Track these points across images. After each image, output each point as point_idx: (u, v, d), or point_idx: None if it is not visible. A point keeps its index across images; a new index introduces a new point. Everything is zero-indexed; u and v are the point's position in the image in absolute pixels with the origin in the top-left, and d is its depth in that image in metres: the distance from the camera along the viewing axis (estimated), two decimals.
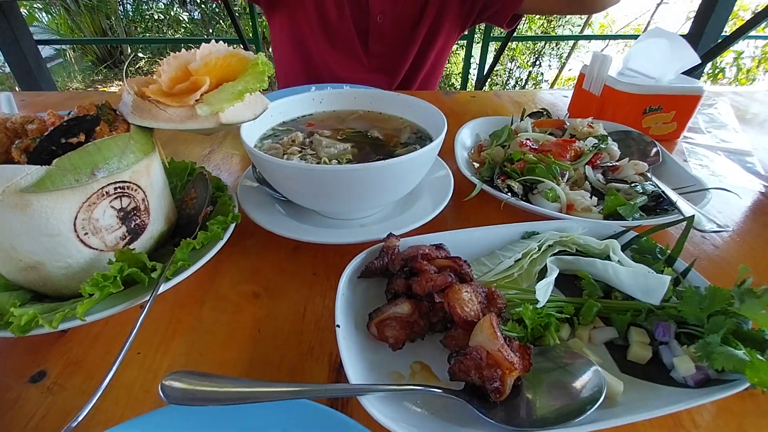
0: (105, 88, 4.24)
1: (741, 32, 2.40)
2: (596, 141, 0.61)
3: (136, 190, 0.41)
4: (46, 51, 3.91)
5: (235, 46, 0.47)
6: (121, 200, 0.39)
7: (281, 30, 1.04)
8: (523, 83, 4.77)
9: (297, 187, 0.48)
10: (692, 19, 2.76)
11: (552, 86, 4.65)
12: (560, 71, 4.76)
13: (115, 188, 0.38)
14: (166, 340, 0.39)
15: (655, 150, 0.65)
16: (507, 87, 4.76)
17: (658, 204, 0.56)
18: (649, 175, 0.59)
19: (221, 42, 0.45)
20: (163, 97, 0.42)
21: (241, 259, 0.49)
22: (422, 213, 0.51)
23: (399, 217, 0.52)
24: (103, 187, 0.37)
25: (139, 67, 4.39)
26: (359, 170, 0.43)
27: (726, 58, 3.73)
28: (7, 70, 3.52)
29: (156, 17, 4.31)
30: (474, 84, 3.23)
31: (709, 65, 3.47)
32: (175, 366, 0.37)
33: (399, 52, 1.02)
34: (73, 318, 0.34)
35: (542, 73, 4.82)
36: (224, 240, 0.45)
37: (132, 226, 0.41)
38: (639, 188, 0.56)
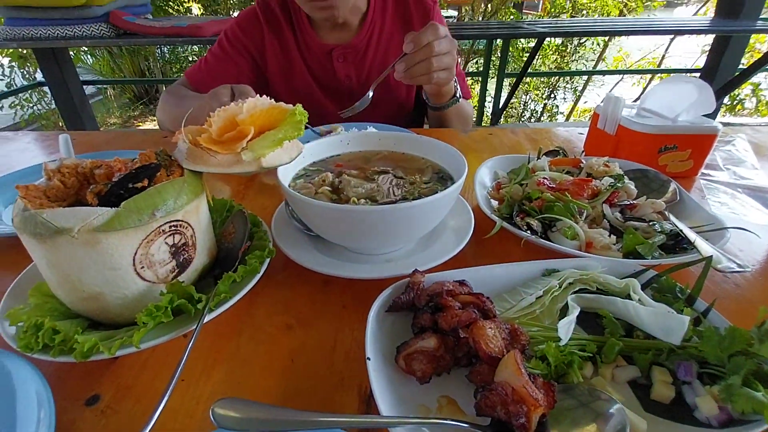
0: (140, 124, 4.51)
1: (758, 65, 2.42)
2: (613, 180, 0.64)
3: (186, 227, 0.45)
4: (88, 89, 4.21)
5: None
6: (174, 237, 0.43)
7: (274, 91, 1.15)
8: (539, 115, 4.84)
9: (327, 225, 0.51)
10: (707, 53, 2.80)
11: (567, 118, 4.69)
12: (575, 104, 4.82)
13: (170, 226, 0.43)
14: (207, 368, 0.42)
15: (672, 188, 0.67)
16: (522, 119, 4.84)
17: (677, 243, 0.57)
18: (666, 213, 0.61)
19: (265, 96, 0.50)
20: (212, 144, 0.47)
21: (275, 291, 0.52)
22: (445, 249, 0.53)
23: (423, 253, 0.55)
24: (160, 226, 0.41)
25: None
26: (386, 211, 0.46)
27: (745, 89, 3.72)
28: (53, 106, 3.80)
29: (190, 59, 4.62)
30: (490, 117, 3.31)
31: (727, 97, 3.46)
32: (216, 393, 0.39)
33: (373, 108, 1.05)
34: (129, 345, 0.38)
35: (557, 106, 4.89)
36: (261, 273, 0.49)
37: (181, 260, 0.45)
38: (657, 227, 0.57)
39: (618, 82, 4.83)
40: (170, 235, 0.43)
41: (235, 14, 5.25)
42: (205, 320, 0.42)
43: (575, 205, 0.58)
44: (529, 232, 0.56)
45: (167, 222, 0.42)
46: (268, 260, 0.51)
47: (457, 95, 0.99)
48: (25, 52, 3.52)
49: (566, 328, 0.38)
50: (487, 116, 3.47)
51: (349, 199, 0.54)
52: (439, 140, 0.63)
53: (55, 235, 0.37)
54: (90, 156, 0.85)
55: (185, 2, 4.66)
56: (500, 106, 2.99)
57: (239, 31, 1.06)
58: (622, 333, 0.42)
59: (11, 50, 3.48)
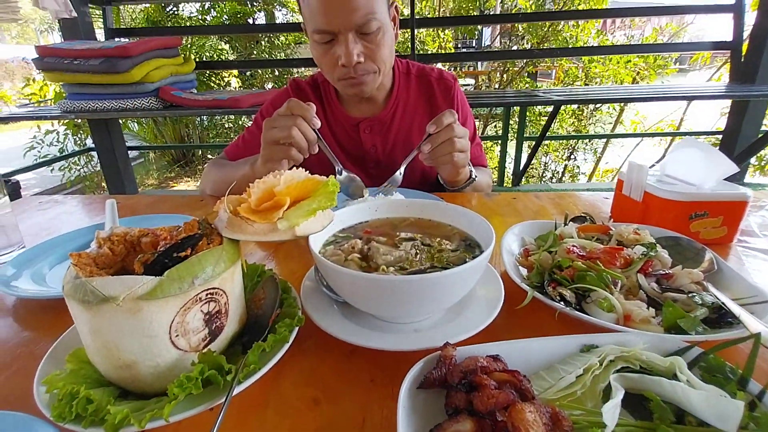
0: (175, 184, 4.81)
1: None
2: (645, 249, 0.62)
3: (221, 295, 0.46)
4: (131, 153, 4.58)
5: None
6: (209, 305, 0.45)
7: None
8: (560, 176, 4.88)
9: (356, 293, 0.52)
10: (726, 115, 2.83)
11: (590, 179, 4.70)
12: (596, 165, 4.85)
13: (207, 294, 0.44)
14: None
15: (708, 257, 0.65)
16: (543, 179, 4.88)
17: (721, 316, 0.54)
18: (706, 284, 0.59)
19: (301, 169, 0.54)
20: (250, 214, 0.50)
21: (301, 359, 0.51)
22: (475, 319, 0.52)
23: (452, 323, 0.54)
24: (198, 294, 0.43)
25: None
26: (415, 280, 0.47)
27: None
28: (98, 168, 4.12)
29: (226, 125, 5.01)
30: (511, 179, 3.36)
31: (754, 158, 3.42)
32: None
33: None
34: (159, 418, 0.37)
35: (578, 166, 4.94)
36: (290, 342, 0.48)
37: (213, 328, 0.46)
38: (698, 299, 0.55)
39: (638, 144, 4.88)
40: (206, 302, 0.44)
41: (269, 86, 5.79)
42: (235, 392, 0.41)
43: (608, 275, 0.57)
44: (562, 303, 0.54)
45: (204, 290, 0.43)
46: (296, 329, 0.51)
47: (473, 176, 1.05)
48: (79, 121, 3.91)
49: (612, 413, 0.36)
50: (508, 177, 3.53)
51: (378, 266, 0.55)
52: (465, 208, 0.64)
53: (102, 302, 0.39)
54: (132, 220, 0.91)
55: (226, 77, 5.16)
56: (521, 168, 3.04)
57: (272, 110, 1.16)
58: (673, 419, 0.38)
59: (69, 120, 3.86)
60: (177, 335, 0.42)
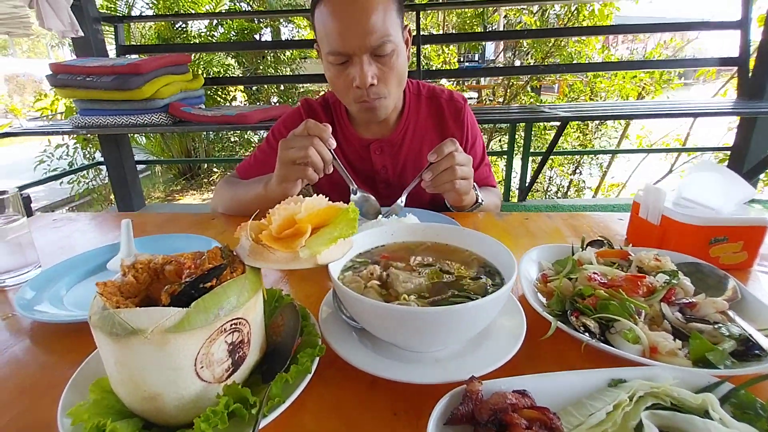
0: (181, 197, 4.85)
1: None
2: (667, 276, 0.62)
3: (244, 324, 0.46)
4: (139, 166, 4.63)
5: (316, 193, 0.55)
6: (233, 335, 0.44)
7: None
8: (566, 190, 4.87)
9: (377, 322, 0.51)
10: (735, 129, 2.83)
11: (596, 194, 4.69)
12: (602, 179, 4.84)
13: (231, 324, 0.44)
14: None
15: (731, 285, 0.64)
16: (548, 193, 4.87)
17: (748, 348, 0.53)
18: (731, 314, 0.58)
19: (321, 195, 0.54)
20: (272, 242, 0.50)
21: (323, 390, 0.51)
22: (497, 350, 0.52)
23: (474, 354, 0.53)
24: (222, 324, 0.43)
25: (212, 179, 5.03)
26: (440, 313, 0.46)
27: None
28: (105, 181, 4.16)
29: (232, 139, 5.06)
30: (516, 194, 3.36)
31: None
32: None
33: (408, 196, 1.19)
34: None
35: (584, 181, 4.93)
36: (312, 373, 0.48)
37: (236, 358, 0.45)
38: (724, 330, 0.54)
39: (644, 158, 4.87)
40: (230, 333, 0.44)
41: (274, 100, 5.87)
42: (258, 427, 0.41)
43: (632, 304, 0.56)
44: (587, 334, 0.54)
45: (229, 320, 0.43)
46: (317, 358, 0.50)
47: (479, 201, 1.06)
48: (90, 135, 3.97)
49: None
50: (513, 192, 3.54)
51: (398, 294, 0.55)
52: (483, 233, 0.64)
53: (129, 335, 0.39)
54: (146, 240, 0.91)
55: (232, 92, 5.24)
56: (527, 184, 3.04)
57: (284, 130, 1.17)
58: None
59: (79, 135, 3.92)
60: (202, 367, 0.42)
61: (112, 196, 4.21)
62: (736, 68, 2.69)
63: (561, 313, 0.60)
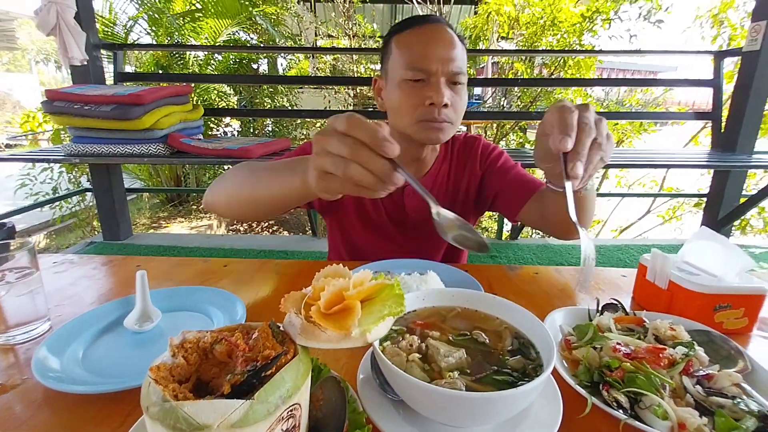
0: (168, 225, 4.74)
1: (762, 195, 2.56)
2: (685, 349, 0.65)
3: (298, 409, 0.46)
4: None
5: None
6: (288, 422, 0.44)
7: (330, 221, 1.32)
8: None
9: (424, 402, 0.52)
10: (706, 173, 3.00)
11: None
12: None
13: (288, 412, 0.44)
14: None
15: (743, 356, 0.68)
16: (537, 232, 4.99)
17: (767, 424, 0.56)
18: (747, 388, 0.61)
19: (367, 270, 0.55)
20: (320, 319, 0.51)
21: None
22: (536, 428, 0.53)
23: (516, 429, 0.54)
24: (281, 413, 0.43)
25: (201, 207, 4.95)
26: (491, 398, 0.48)
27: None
28: (90, 205, 4.05)
29: (225, 167, 5.04)
30: (510, 233, 3.45)
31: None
32: None
33: (434, 239, 1.24)
34: None
35: None
36: None
37: None
38: (743, 406, 0.57)
39: (618, 204, 5.10)
40: (287, 420, 0.44)
41: (269, 128, 5.92)
42: None
43: (658, 378, 0.59)
44: (620, 410, 0.56)
45: (287, 408, 0.44)
46: None
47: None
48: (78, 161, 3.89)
49: None
50: (506, 234, 3.63)
51: (440, 369, 0.56)
52: (511, 302, 0.67)
53: (195, 431, 0.38)
54: (161, 293, 0.89)
55: (226, 119, 5.27)
56: (519, 223, 3.13)
57: None
58: None
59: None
60: None
61: (95, 222, 4.09)
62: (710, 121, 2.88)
63: (589, 384, 0.62)
